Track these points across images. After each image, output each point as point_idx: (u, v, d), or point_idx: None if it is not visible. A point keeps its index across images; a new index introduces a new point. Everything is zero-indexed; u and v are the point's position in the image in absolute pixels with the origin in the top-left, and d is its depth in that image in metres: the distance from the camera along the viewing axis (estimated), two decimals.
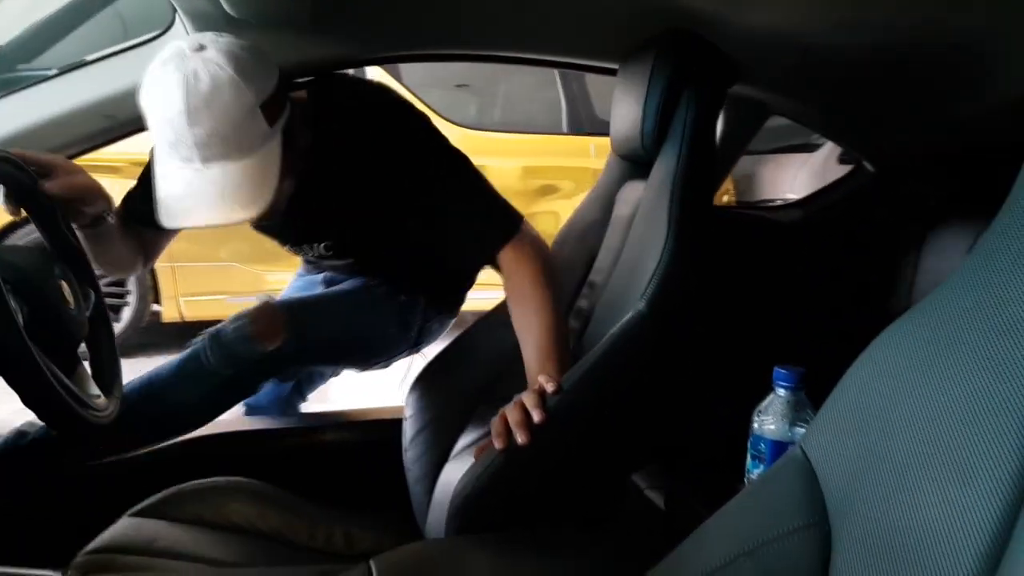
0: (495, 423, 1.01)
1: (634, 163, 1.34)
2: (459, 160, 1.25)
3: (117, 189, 1.30)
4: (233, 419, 1.52)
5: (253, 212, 1.10)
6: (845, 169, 1.87)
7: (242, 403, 1.54)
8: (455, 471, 1.15)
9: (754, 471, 0.95)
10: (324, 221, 1.36)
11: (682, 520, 1.17)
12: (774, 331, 1.02)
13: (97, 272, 1.24)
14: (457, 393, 1.34)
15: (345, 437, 1.54)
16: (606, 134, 1.41)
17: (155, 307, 3.94)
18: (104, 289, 1.23)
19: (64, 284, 1.09)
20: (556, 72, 4.47)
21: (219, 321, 1.39)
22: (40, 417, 0.97)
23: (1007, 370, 0.50)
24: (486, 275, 1.37)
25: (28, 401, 0.94)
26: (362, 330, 1.49)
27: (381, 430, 1.50)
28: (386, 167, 1.22)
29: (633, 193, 1.30)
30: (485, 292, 1.62)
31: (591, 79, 4.49)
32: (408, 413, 1.35)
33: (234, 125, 1.06)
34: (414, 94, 3.99)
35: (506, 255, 1.20)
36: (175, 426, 1.39)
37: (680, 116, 1.17)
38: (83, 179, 1.16)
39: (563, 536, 1.02)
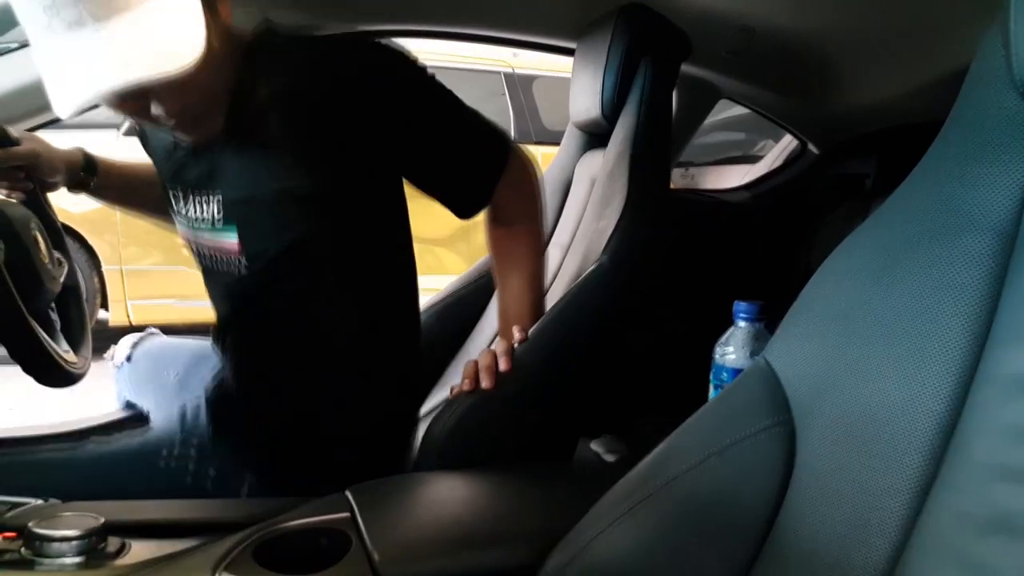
0: (467, 367, 1.05)
1: (591, 135, 1.40)
2: (441, 89, 1.03)
3: (62, 193, 1.30)
4: None
5: (178, 62, 0.82)
6: None
7: None
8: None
9: None
10: (255, 159, 1.01)
11: None
12: (721, 304, 1.07)
13: None
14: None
15: None
16: (555, 143, 1.46)
17: (102, 313, 3.88)
18: None
19: (40, 240, 1.11)
20: (504, 82, 4.58)
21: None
22: (22, 360, 0.98)
23: (959, 258, 0.56)
24: None
25: (10, 342, 0.96)
26: None
27: None
28: (359, 101, 0.97)
29: (592, 160, 1.37)
30: None
31: (538, 90, 4.61)
32: None
33: None
34: None
35: (503, 183, 1.07)
36: None
37: (638, 84, 1.23)
38: (39, 147, 1.16)
39: (530, 470, 1.06)
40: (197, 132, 1.01)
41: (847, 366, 0.62)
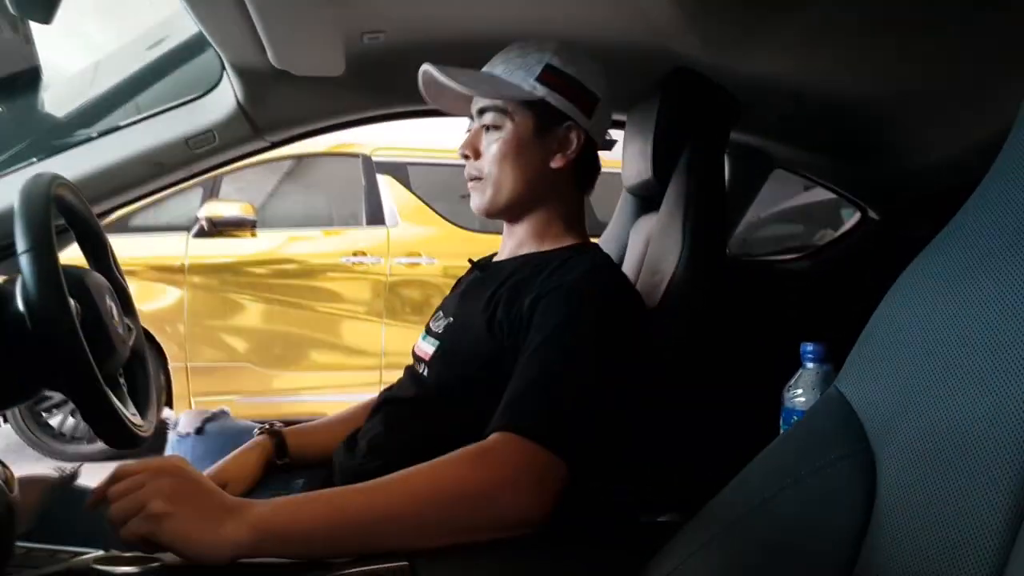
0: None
1: (644, 198, 1.42)
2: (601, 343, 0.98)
3: (136, 291, 1.34)
4: None
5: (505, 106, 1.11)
6: None
7: None
8: None
9: None
10: (479, 298, 1.12)
11: None
12: (784, 352, 1.04)
13: None
14: None
15: None
16: None
17: (167, 411, 3.96)
18: None
19: (112, 306, 1.16)
20: None
21: None
22: (92, 419, 1.00)
23: None
24: None
25: (82, 401, 0.98)
26: None
27: None
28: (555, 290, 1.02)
29: (646, 223, 1.38)
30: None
31: None
32: None
33: (521, 56, 1.14)
34: (425, 203, 4.19)
35: (503, 444, 0.87)
36: None
37: (688, 144, 1.25)
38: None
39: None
40: (480, 205, 1.16)
41: (925, 386, 0.60)
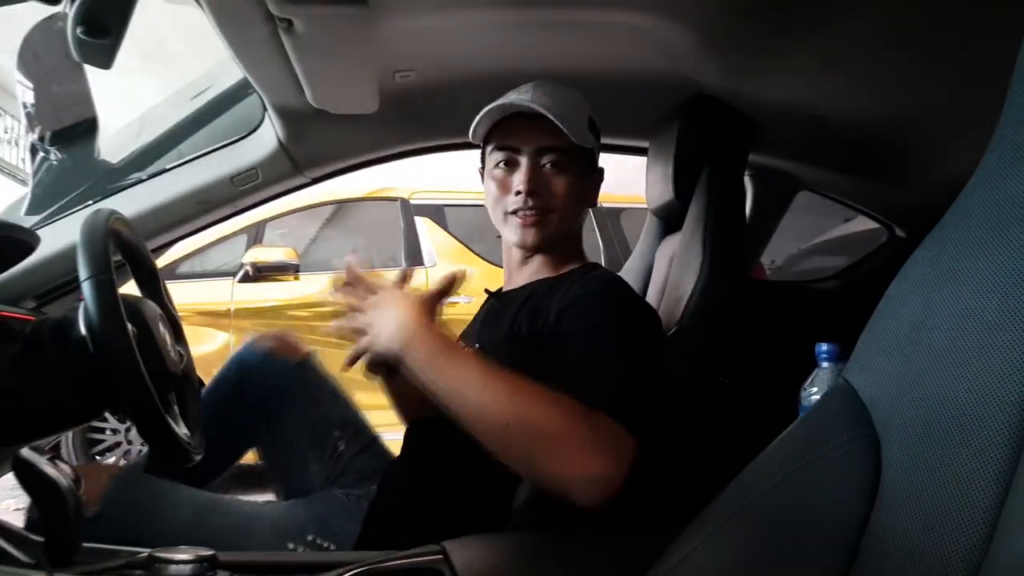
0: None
1: (668, 220, 1.46)
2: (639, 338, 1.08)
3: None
4: None
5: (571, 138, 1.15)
6: None
7: None
8: None
9: None
10: (510, 318, 1.20)
11: None
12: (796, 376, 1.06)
13: None
14: None
15: None
16: None
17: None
18: None
19: (165, 332, 1.23)
20: (592, 217, 4.73)
21: None
22: (148, 437, 1.06)
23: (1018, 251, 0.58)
24: None
25: (139, 419, 1.04)
26: None
27: None
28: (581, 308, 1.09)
29: (670, 244, 1.42)
30: None
31: (626, 222, 4.74)
32: None
33: (570, 102, 1.20)
34: (462, 243, 4.28)
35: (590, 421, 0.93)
36: None
37: (707, 164, 1.30)
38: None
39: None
40: (526, 238, 1.21)
41: (923, 369, 0.63)
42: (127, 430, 3.68)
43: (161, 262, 1.59)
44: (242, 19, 1.13)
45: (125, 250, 1.26)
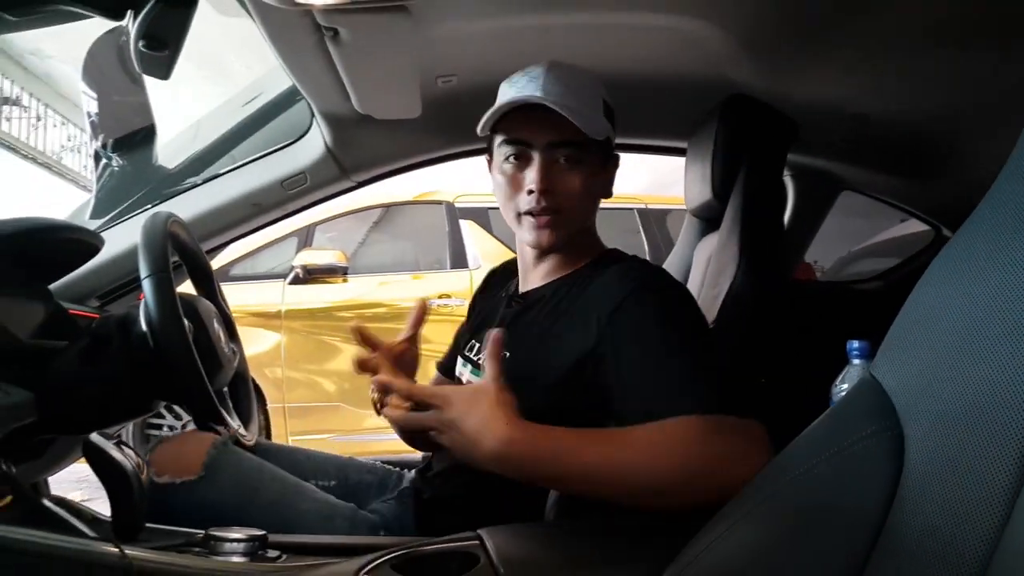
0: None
1: (706, 220, 1.48)
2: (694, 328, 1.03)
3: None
4: None
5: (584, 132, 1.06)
6: None
7: None
8: None
9: None
10: (545, 330, 1.12)
11: None
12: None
13: None
14: None
15: None
16: None
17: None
18: None
19: (220, 330, 1.29)
20: (638, 218, 4.73)
21: None
22: (206, 428, 1.12)
23: None
24: None
25: (197, 411, 1.10)
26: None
27: None
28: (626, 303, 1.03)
29: (708, 243, 1.44)
30: None
31: (672, 223, 4.72)
32: None
33: (584, 89, 1.11)
34: (507, 245, 4.32)
35: (694, 426, 0.88)
36: None
37: (744, 164, 1.31)
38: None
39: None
40: (541, 240, 1.12)
41: (946, 363, 0.64)
42: (183, 426, 3.81)
43: (215, 264, 1.66)
44: (290, 29, 1.18)
45: (182, 252, 1.32)
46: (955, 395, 0.62)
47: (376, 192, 3.88)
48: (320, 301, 4.06)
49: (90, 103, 1.79)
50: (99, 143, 1.75)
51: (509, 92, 1.12)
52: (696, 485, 0.83)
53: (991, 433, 0.58)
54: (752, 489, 0.76)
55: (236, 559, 0.78)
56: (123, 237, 1.53)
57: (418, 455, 1.43)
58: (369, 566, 0.77)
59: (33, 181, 8.37)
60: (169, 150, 1.96)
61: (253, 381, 3.86)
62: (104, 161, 1.75)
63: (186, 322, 1.10)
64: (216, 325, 1.27)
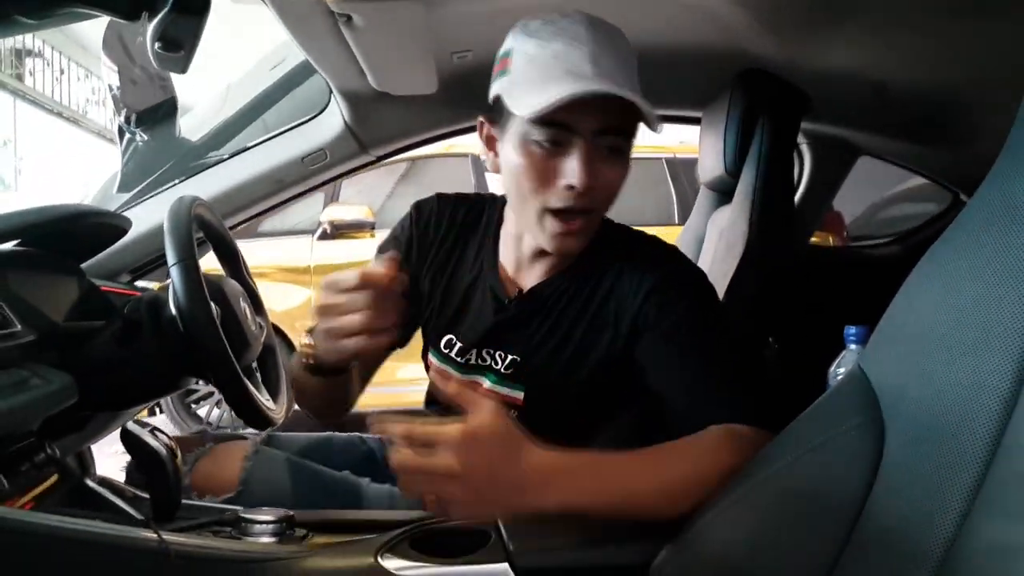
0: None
1: (720, 192, 1.49)
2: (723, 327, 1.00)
3: (266, 293, 1.50)
4: None
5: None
6: None
7: None
8: None
9: None
10: (560, 329, 1.05)
11: None
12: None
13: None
14: None
15: None
16: None
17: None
18: None
19: (246, 308, 1.34)
20: (666, 168, 4.69)
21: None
22: (234, 405, 1.17)
23: (1018, 248, 0.61)
24: None
25: (225, 389, 1.15)
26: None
27: None
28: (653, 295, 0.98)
29: (722, 216, 1.46)
30: None
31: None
32: None
33: (629, 58, 0.94)
34: None
35: (726, 434, 0.88)
36: None
37: (756, 140, 1.33)
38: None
39: None
40: (564, 246, 0.99)
41: (925, 361, 0.68)
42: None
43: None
44: (304, 14, 1.20)
45: (207, 231, 1.37)
46: (931, 394, 0.65)
47: None
48: (348, 256, 4.11)
49: (111, 75, 1.83)
50: (122, 118, 1.79)
51: (548, 59, 0.90)
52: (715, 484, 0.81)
53: (957, 427, 0.62)
54: (743, 477, 0.80)
55: (265, 539, 0.84)
56: (151, 214, 1.58)
57: None
58: (389, 543, 0.83)
59: (59, 134, 8.47)
60: (198, 117, 2.01)
61: (285, 336, 3.95)
62: (128, 136, 1.79)
63: (213, 306, 1.15)
64: (242, 303, 1.32)
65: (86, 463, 1.25)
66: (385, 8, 1.17)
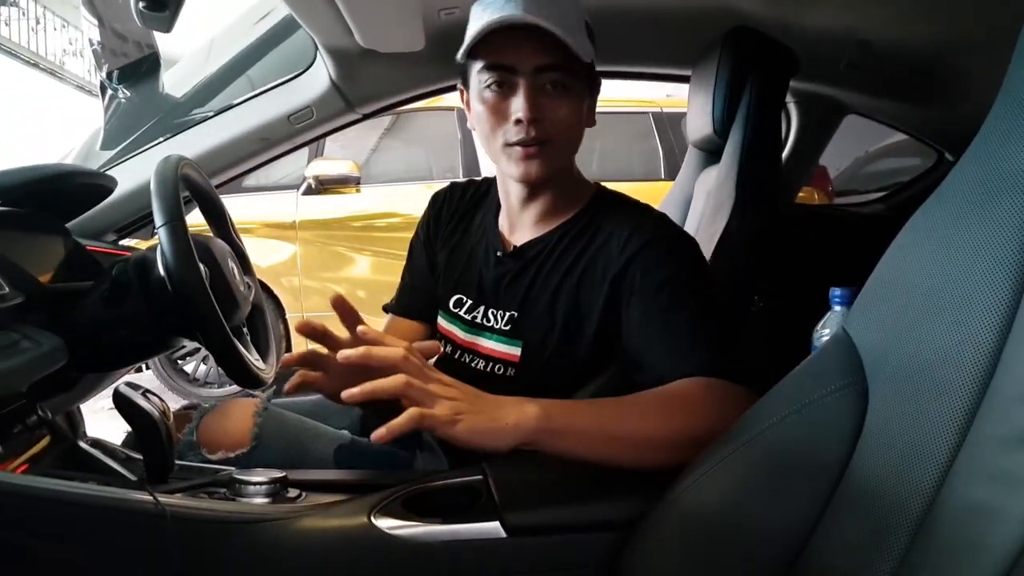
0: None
1: (708, 152, 1.50)
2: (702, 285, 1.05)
3: (252, 249, 1.46)
4: None
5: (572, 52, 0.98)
6: None
7: None
8: None
9: None
10: (554, 288, 1.10)
11: None
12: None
13: None
14: None
15: None
16: None
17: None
18: None
19: (234, 268, 1.33)
20: (652, 123, 4.66)
21: None
22: (224, 365, 1.18)
23: (1000, 217, 0.63)
24: None
25: (215, 351, 1.16)
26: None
27: None
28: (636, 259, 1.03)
29: (709, 176, 1.46)
30: None
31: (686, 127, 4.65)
32: None
33: (567, 7, 1.02)
34: None
35: (696, 385, 0.93)
36: None
37: (745, 100, 1.32)
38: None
39: None
40: (529, 172, 1.05)
41: (908, 324, 0.69)
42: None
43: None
44: None
45: (193, 190, 1.36)
46: (912, 355, 0.67)
47: None
48: (334, 211, 4.09)
49: (91, 30, 1.79)
50: (104, 74, 1.76)
51: (486, 13, 1.01)
52: (693, 447, 0.85)
53: (937, 390, 0.64)
54: (729, 437, 0.82)
55: (259, 500, 0.85)
56: (136, 173, 1.57)
57: None
58: (382, 503, 0.85)
59: (36, 86, 8.30)
60: (181, 72, 1.98)
61: (271, 292, 3.92)
62: (110, 92, 1.77)
63: (201, 266, 1.15)
64: (230, 263, 1.32)
65: (76, 423, 1.26)
66: None
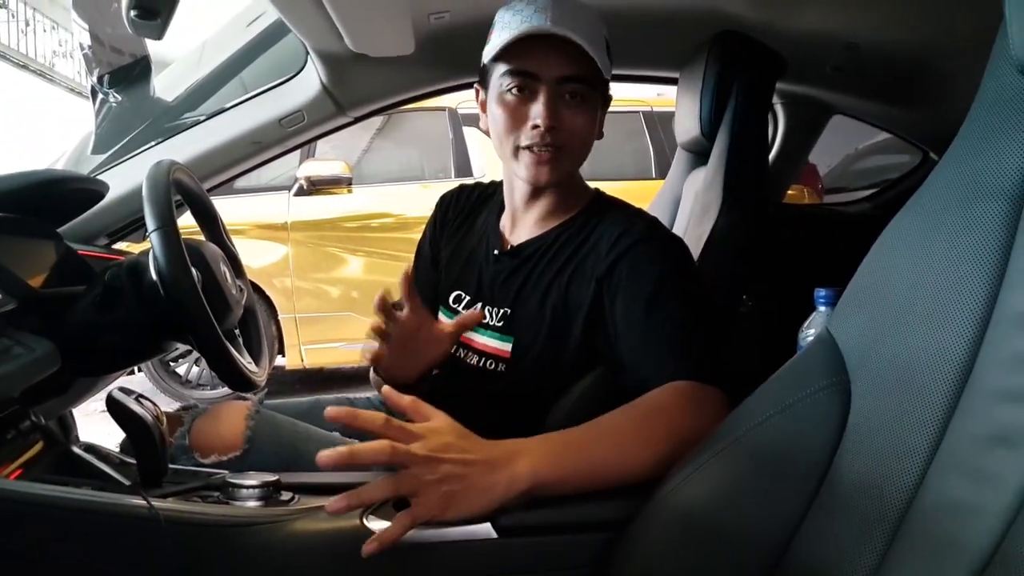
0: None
1: (696, 154, 1.51)
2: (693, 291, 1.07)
3: (243, 250, 1.48)
4: None
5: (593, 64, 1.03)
6: None
7: None
8: None
9: None
10: (545, 287, 1.13)
11: None
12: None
13: None
14: None
15: None
16: None
17: (279, 359, 4.22)
18: None
19: (226, 271, 1.34)
20: (643, 121, 4.68)
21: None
22: (217, 369, 1.19)
23: (978, 222, 0.64)
24: None
25: (208, 354, 1.16)
26: None
27: None
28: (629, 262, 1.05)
29: (697, 177, 1.47)
30: None
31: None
32: None
33: (591, 24, 1.07)
34: None
35: (675, 392, 0.94)
36: None
37: (732, 103, 1.34)
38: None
39: None
40: (539, 176, 1.09)
41: (887, 326, 0.71)
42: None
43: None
44: None
45: (185, 195, 1.37)
46: (892, 356, 0.69)
47: None
48: (326, 212, 4.09)
49: (82, 34, 1.79)
50: (95, 78, 1.76)
51: (515, 20, 1.05)
52: (676, 454, 0.87)
53: (916, 389, 0.65)
54: (717, 436, 0.83)
55: (252, 503, 0.86)
56: (128, 177, 1.57)
57: None
58: (375, 505, 0.86)
59: (26, 88, 8.27)
60: (172, 76, 1.98)
61: (265, 294, 3.93)
62: (101, 96, 1.77)
63: (194, 271, 1.16)
64: (223, 267, 1.32)
65: (68, 427, 1.26)
66: None
